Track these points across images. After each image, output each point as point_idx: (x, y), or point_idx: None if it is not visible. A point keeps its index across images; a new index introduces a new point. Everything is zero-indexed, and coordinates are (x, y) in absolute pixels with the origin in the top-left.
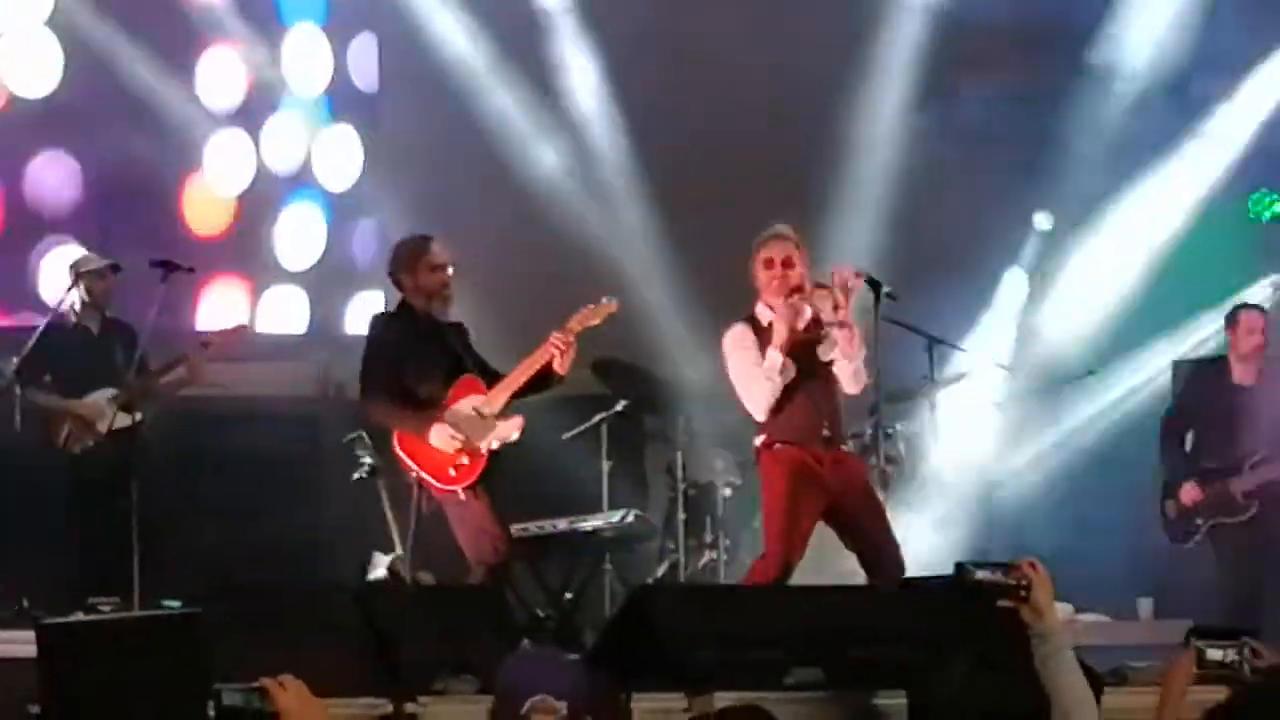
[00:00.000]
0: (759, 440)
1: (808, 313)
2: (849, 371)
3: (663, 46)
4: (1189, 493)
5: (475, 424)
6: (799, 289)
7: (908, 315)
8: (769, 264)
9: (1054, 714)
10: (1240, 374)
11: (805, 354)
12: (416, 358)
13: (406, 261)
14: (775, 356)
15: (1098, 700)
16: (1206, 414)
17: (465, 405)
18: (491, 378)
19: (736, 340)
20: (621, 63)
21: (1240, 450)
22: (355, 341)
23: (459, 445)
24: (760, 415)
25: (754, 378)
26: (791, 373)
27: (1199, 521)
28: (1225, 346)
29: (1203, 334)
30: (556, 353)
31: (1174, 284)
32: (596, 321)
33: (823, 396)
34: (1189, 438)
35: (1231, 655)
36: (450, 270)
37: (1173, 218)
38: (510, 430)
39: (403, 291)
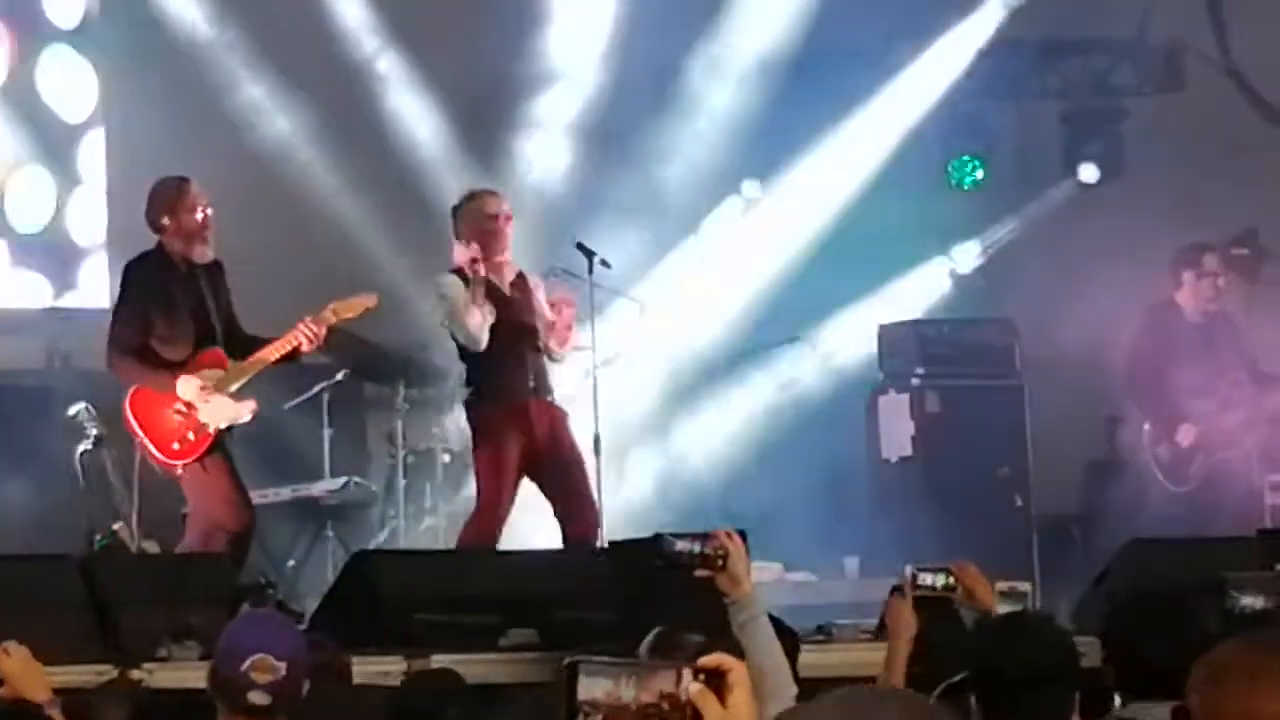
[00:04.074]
0: (469, 393)
1: (513, 272)
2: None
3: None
4: (1186, 434)
5: (210, 397)
6: (503, 244)
7: (622, 282)
8: (477, 218)
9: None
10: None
11: (511, 309)
12: (166, 311)
13: (167, 202)
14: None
15: (795, 657)
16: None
17: (205, 377)
18: (234, 332)
19: (448, 284)
20: None
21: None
22: (81, 313)
23: (199, 405)
24: (476, 344)
25: (467, 311)
26: (492, 319)
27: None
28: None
29: (900, 298)
30: (305, 340)
31: (872, 248)
32: (352, 315)
33: (528, 350)
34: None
35: (942, 580)
36: (210, 211)
37: (858, 184)
38: (243, 412)
39: (161, 234)
